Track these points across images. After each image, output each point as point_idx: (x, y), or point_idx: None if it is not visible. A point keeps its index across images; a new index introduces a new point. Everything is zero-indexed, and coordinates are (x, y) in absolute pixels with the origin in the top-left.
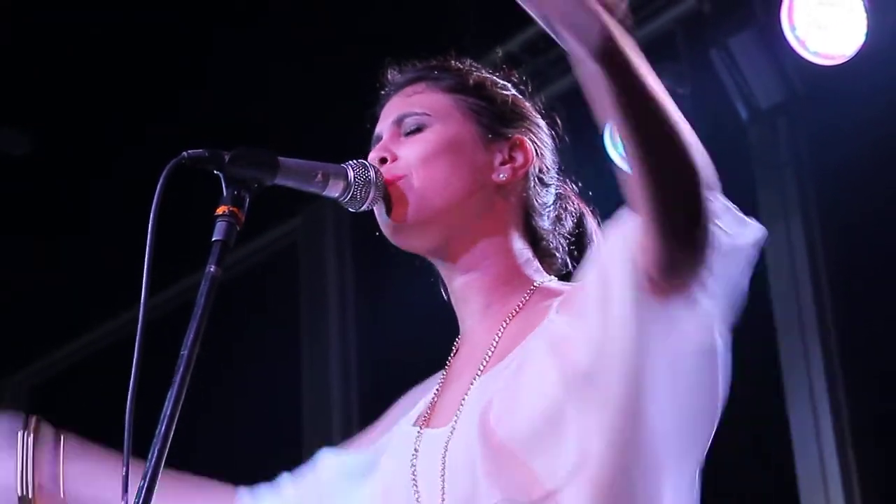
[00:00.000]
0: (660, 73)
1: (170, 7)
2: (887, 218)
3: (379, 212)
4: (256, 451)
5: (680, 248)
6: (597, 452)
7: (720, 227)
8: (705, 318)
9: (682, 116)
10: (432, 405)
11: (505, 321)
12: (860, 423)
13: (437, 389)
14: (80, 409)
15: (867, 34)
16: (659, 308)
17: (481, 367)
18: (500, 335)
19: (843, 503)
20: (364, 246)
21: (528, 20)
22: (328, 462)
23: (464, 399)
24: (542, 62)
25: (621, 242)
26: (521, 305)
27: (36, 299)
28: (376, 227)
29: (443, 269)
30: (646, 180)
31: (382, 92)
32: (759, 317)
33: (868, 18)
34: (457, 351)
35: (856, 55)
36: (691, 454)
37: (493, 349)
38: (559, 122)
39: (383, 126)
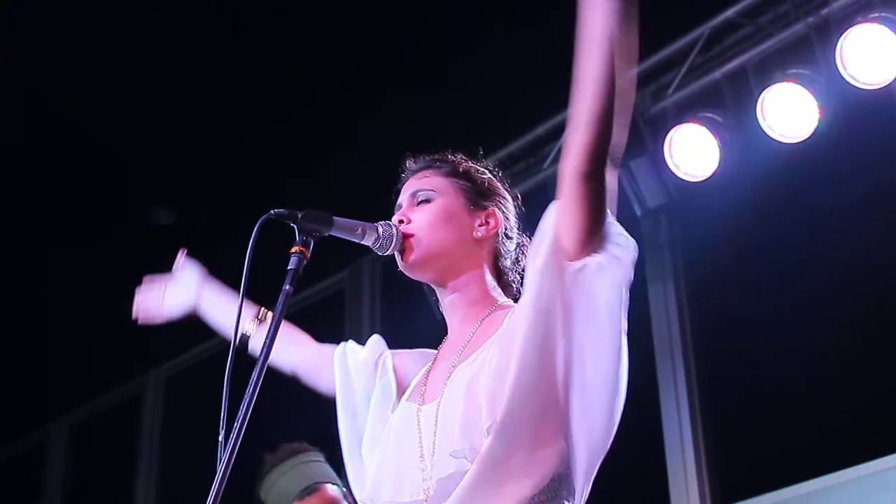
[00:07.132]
0: None
1: None
2: (732, 282)
3: (399, 259)
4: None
5: (586, 225)
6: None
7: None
8: (610, 277)
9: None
10: (426, 381)
11: (475, 325)
12: (710, 418)
13: (430, 366)
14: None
15: (720, 162)
16: (568, 265)
17: (458, 355)
18: (472, 334)
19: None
20: (390, 294)
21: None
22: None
23: (446, 382)
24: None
25: (547, 224)
26: (486, 315)
27: None
28: (400, 281)
29: (438, 292)
30: (585, 123)
31: (403, 175)
32: (642, 347)
33: (720, 151)
34: (444, 342)
35: (712, 175)
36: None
37: (466, 343)
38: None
39: (403, 198)
